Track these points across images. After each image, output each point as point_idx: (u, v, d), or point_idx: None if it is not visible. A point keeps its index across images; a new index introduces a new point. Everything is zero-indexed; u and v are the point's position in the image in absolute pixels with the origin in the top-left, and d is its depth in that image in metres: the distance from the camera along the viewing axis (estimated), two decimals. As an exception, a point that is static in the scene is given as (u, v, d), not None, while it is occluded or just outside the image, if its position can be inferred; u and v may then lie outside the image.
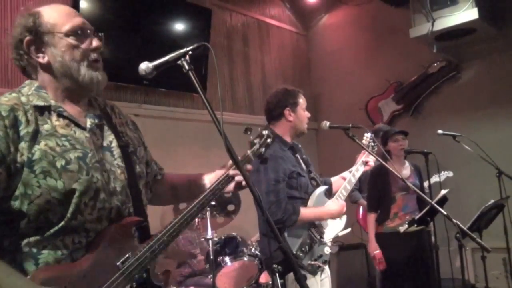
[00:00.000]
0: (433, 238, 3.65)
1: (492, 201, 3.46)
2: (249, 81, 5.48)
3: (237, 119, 5.01)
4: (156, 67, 1.41)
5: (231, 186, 1.58)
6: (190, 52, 1.42)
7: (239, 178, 1.55)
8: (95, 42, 1.39)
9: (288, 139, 2.71)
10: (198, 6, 4.73)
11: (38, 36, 1.33)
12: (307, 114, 2.76)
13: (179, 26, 4.55)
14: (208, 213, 3.42)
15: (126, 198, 1.37)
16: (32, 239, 1.23)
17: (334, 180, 2.90)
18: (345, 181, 2.79)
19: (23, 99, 1.30)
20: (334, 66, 6.12)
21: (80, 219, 1.26)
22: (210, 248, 3.29)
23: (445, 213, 2.41)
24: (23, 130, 1.24)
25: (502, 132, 4.71)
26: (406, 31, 4.73)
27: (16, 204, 1.22)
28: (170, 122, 4.47)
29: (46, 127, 1.28)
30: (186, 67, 1.41)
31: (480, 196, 3.95)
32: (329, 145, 5.83)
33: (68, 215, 1.24)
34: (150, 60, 1.41)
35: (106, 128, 1.44)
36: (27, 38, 1.33)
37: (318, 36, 6.37)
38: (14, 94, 1.31)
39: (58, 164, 1.24)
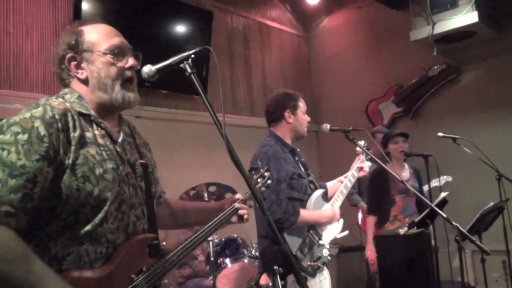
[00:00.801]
0: (432, 241, 3.66)
1: (492, 203, 3.47)
2: (250, 83, 5.49)
3: (238, 121, 5.03)
4: (158, 70, 1.42)
5: (234, 218, 1.72)
6: (192, 55, 1.43)
7: (242, 212, 1.71)
8: (131, 61, 1.46)
9: (288, 141, 2.74)
10: (199, 9, 4.74)
11: (79, 53, 1.42)
12: (307, 118, 2.79)
13: (180, 28, 4.56)
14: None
15: (142, 214, 1.44)
16: (59, 242, 1.26)
17: (331, 184, 2.93)
18: (341, 185, 2.81)
19: (68, 104, 1.36)
20: (334, 68, 6.13)
21: (105, 227, 1.31)
22: (211, 250, 3.30)
23: (444, 215, 2.42)
24: (71, 134, 1.30)
25: (502, 134, 4.71)
26: (407, 34, 4.73)
27: (52, 202, 1.25)
28: (171, 124, 4.47)
29: (88, 134, 1.35)
30: (189, 70, 1.42)
31: (479, 198, 3.95)
32: (329, 148, 5.84)
33: (96, 221, 1.29)
34: (151, 63, 1.43)
35: (133, 146, 1.52)
36: (69, 55, 1.42)
37: (318, 39, 6.38)
38: (60, 99, 1.37)
39: (97, 172, 1.31)
